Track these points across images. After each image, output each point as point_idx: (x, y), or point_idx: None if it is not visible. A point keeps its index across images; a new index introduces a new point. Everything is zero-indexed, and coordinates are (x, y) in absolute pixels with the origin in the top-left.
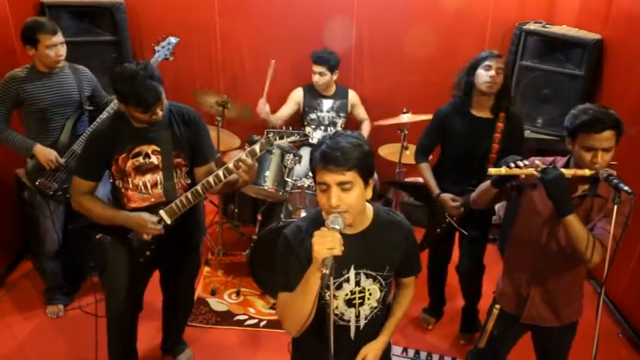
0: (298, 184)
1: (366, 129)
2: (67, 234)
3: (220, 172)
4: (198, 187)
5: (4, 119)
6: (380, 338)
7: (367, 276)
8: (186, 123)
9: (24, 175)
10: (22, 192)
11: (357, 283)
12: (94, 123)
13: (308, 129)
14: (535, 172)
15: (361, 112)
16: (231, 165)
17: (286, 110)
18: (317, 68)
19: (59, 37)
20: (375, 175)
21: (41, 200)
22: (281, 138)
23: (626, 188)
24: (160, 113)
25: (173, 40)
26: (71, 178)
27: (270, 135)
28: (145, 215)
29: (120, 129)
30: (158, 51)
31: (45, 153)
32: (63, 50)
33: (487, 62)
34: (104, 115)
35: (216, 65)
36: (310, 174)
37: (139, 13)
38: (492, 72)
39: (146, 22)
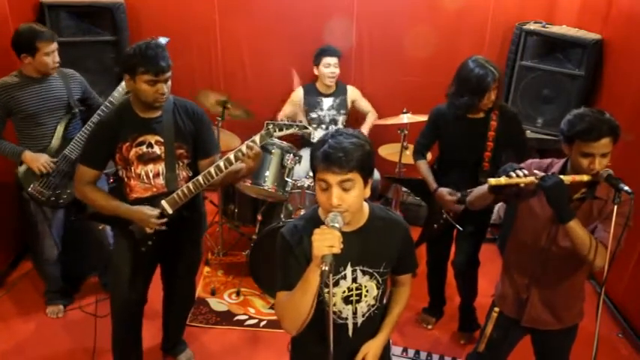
0: (298, 184)
1: (371, 120)
2: (66, 238)
3: (221, 163)
4: (200, 178)
5: None
6: (379, 336)
7: (364, 273)
8: (189, 116)
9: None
10: (22, 191)
11: (354, 280)
12: (92, 119)
13: (309, 128)
14: (535, 180)
15: (364, 105)
16: (232, 156)
17: (288, 110)
18: (331, 60)
19: (56, 44)
20: (377, 175)
21: (36, 206)
22: (280, 130)
23: (626, 188)
24: (165, 90)
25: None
26: (64, 182)
27: (270, 127)
28: (147, 209)
29: (125, 118)
30: None
31: (34, 158)
32: (58, 57)
33: (490, 88)
34: (96, 114)
35: (216, 65)
36: (310, 174)
37: (139, 13)
38: (493, 96)
39: (146, 22)
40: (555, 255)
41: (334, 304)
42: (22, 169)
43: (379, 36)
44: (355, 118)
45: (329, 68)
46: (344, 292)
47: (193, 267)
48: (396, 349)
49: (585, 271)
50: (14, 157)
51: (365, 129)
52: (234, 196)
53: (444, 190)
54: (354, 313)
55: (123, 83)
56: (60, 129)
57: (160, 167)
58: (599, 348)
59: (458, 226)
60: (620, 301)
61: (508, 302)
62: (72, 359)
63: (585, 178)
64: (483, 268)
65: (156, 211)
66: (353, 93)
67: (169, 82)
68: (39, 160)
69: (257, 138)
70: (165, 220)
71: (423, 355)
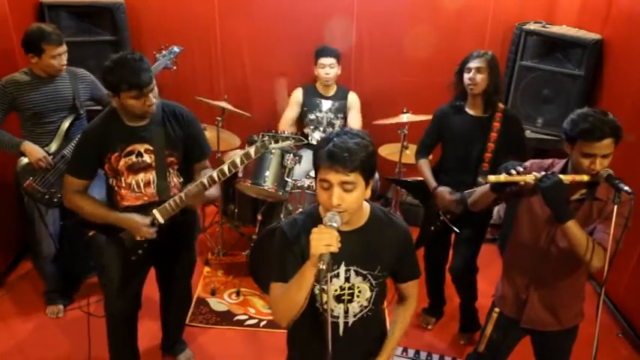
0: (298, 184)
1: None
2: (65, 237)
3: (215, 174)
4: (191, 188)
5: None
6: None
7: (357, 273)
8: (178, 121)
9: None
10: (21, 190)
11: (347, 280)
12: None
13: (307, 130)
14: (532, 181)
15: (355, 118)
16: (225, 167)
17: (291, 114)
18: (326, 60)
19: (64, 47)
20: (376, 175)
21: (31, 203)
22: (276, 142)
23: (626, 188)
24: (154, 101)
25: (176, 49)
26: (59, 182)
27: (266, 139)
28: (138, 217)
29: (113, 128)
30: (159, 59)
31: (34, 151)
32: (66, 59)
33: (468, 64)
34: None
35: (217, 65)
36: (310, 174)
37: (139, 13)
38: (471, 74)
39: (146, 22)
40: (555, 255)
41: (325, 301)
42: (21, 163)
43: (379, 36)
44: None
45: (324, 69)
46: (336, 290)
47: (189, 269)
48: (396, 349)
49: (585, 271)
50: (13, 148)
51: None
52: (234, 196)
53: (444, 190)
54: (346, 312)
55: None
56: (62, 128)
57: (151, 176)
58: (599, 348)
59: (455, 228)
60: (620, 301)
61: (508, 303)
62: (72, 359)
63: (585, 178)
64: (484, 268)
65: (147, 220)
66: (353, 100)
67: (155, 90)
68: (38, 154)
69: (252, 150)
70: (156, 228)
71: (423, 355)
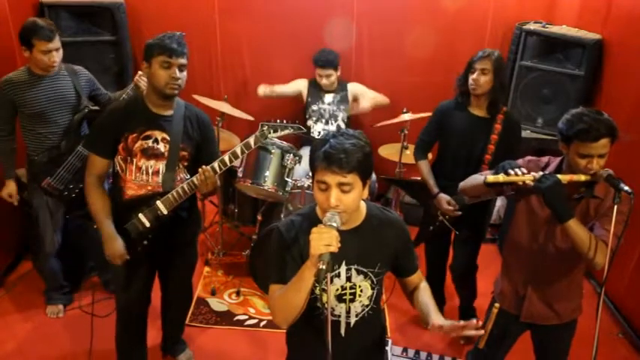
0: (298, 184)
1: (382, 99)
2: (67, 234)
3: (216, 165)
4: (194, 179)
5: (5, 123)
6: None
7: (358, 272)
8: (198, 124)
9: (24, 175)
10: (22, 192)
11: (348, 279)
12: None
13: (309, 122)
14: (531, 182)
15: (371, 96)
16: (226, 158)
17: (286, 90)
18: (323, 72)
19: (55, 44)
20: (373, 176)
21: (41, 201)
22: (275, 131)
23: (626, 188)
24: (179, 76)
25: None
26: (76, 177)
27: (265, 128)
28: (120, 247)
29: (137, 110)
30: None
31: (8, 189)
32: (58, 57)
33: (473, 65)
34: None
35: (216, 65)
36: (310, 174)
37: (139, 13)
38: (475, 75)
39: (146, 22)
40: (552, 253)
41: (326, 301)
42: (35, 161)
43: (379, 36)
44: (356, 116)
45: (322, 80)
46: (337, 289)
47: (190, 267)
48: (396, 349)
49: (582, 268)
50: (5, 172)
51: (371, 96)
52: (234, 196)
53: (443, 198)
54: (348, 312)
55: (128, 90)
56: (73, 125)
57: (161, 165)
58: (599, 348)
59: (453, 229)
60: (620, 301)
61: (507, 298)
62: (72, 359)
63: (583, 177)
64: (484, 268)
65: (124, 256)
66: (354, 89)
67: (184, 73)
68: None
69: (251, 140)
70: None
71: (423, 355)
